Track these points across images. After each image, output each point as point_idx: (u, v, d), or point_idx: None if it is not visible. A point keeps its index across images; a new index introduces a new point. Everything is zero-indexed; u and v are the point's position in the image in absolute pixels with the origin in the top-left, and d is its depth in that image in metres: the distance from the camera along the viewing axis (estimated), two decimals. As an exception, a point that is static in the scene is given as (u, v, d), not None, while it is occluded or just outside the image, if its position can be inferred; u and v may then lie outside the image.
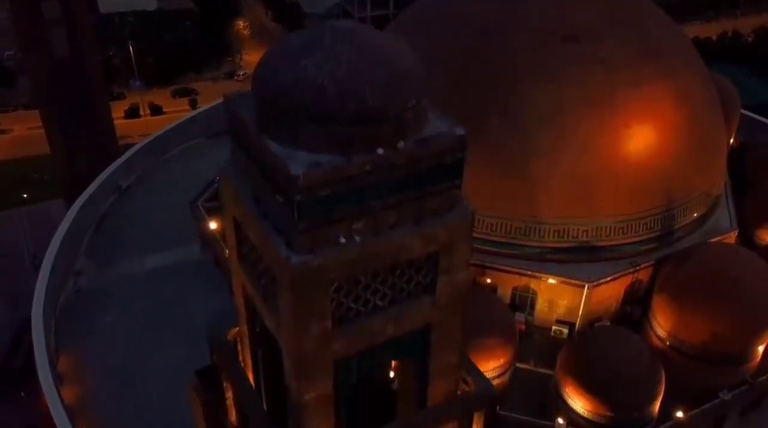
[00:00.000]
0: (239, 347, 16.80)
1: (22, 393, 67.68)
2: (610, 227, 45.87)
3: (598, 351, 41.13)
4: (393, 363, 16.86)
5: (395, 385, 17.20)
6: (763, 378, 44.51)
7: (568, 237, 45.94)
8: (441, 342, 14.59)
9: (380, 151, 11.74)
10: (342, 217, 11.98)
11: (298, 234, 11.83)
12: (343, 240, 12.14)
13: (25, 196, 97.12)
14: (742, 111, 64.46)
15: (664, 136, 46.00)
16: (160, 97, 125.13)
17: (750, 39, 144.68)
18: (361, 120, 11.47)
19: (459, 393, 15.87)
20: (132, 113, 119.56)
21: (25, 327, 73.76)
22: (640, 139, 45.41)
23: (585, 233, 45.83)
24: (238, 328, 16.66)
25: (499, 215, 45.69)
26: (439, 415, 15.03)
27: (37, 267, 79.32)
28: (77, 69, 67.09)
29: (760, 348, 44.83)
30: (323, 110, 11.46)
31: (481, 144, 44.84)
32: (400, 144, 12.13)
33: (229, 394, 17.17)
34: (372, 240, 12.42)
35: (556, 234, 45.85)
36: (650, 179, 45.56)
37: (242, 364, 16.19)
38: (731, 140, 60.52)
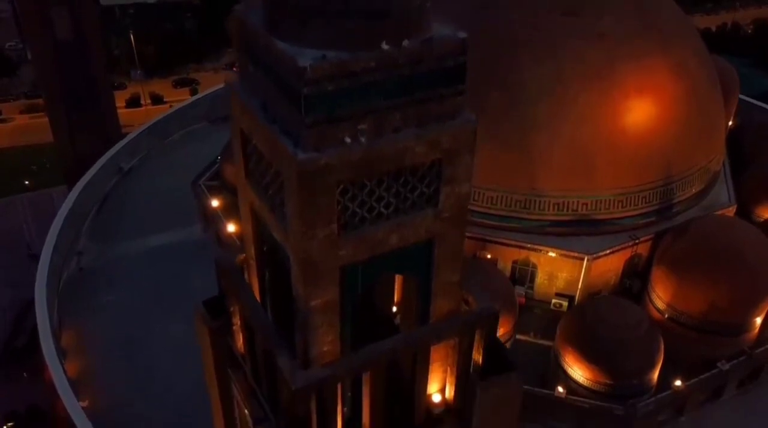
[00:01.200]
0: (246, 274, 17.15)
1: (25, 373, 68.00)
2: (610, 200, 46.22)
3: (598, 320, 41.47)
4: (396, 298, 17.20)
5: (398, 320, 17.56)
6: (762, 349, 44.86)
7: (567, 210, 46.28)
8: (443, 258, 14.93)
9: (385, 46, 12.10)
10: (347, 116, 12.30)
11: (305, 130, 12.16)
12: (348, 140, 12.48)
13: (26, 182, 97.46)
14: (741, 96, 64.82)
15: (662, 109, 46.34)
16: (161, 86, 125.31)
17: (749, 30, 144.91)
18: (367, 15, 11.81)
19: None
20: (133, 103, 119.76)
21: (27, 308, 74.09)
22: (639, 111, 45.77)
23: (584, 206, 46.18)
24: (244, 255, 17.00)
25: (500, 188, 46.04)
26: (441, 330, 15.38)
27: (32, 258, 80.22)
28: (80, 50, 67.44)
29: (758, 320, 45.19)
30: (330, 5, 11.82)
31: (481, 117, 45.20)
32: (405, 42, 12.49)
33: (236, 320, 17.53)
34: (376, 143, 12.78)
35: (556, 207, 46.20)
36: (649, 152, 45.91)
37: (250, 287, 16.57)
38: (730, 122, 60.88)
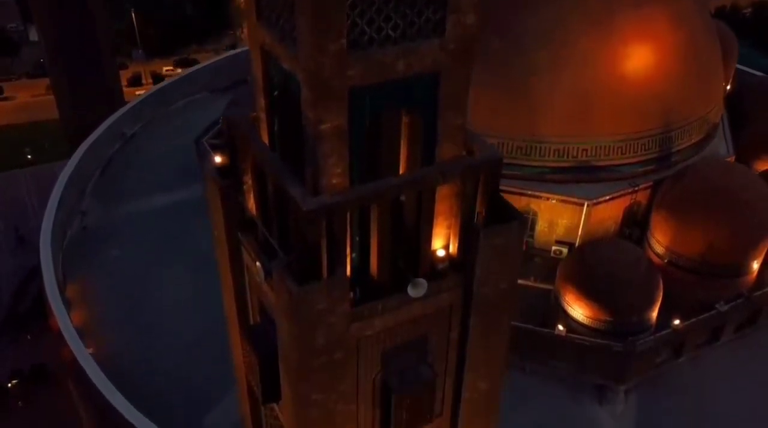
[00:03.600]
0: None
1: (29, 336, 68.77)
2: (610, 146, 46.71)
3: (598, 259, 42.05)
4: (401, 168, 17.45)
5: (402, 198, 17.96)
6: (759, 292, 45.39)
7: (568, 156, 46.78)
8: (448, 95, 15.35)
9: None
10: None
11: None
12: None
13: (29, 156, 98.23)
14: (738, 66, 65.21)
15: (661, 56, 46.82)
16: (162, 67, 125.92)
17: (748, 12, 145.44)
18: None
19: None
20: (135, 82, 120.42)
21: (30, 275, 74.81)
22: (639, 58, 46.24)
23: (584, 152, 46.68)
24: (254, 113, 17.48)
25: (500, 134, 46.37)
26: (446, 170, 15.85)
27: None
28: (84, 18, 67.96)
29: (756, 264, 45.71)
30: None
31: (481, 64, 45.72)
32: None
33: (247, 178, 18.02)
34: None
35: (556, 153, 46.70)
36: (648, 98, 46.38)
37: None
38: (728, 86, 61.33)
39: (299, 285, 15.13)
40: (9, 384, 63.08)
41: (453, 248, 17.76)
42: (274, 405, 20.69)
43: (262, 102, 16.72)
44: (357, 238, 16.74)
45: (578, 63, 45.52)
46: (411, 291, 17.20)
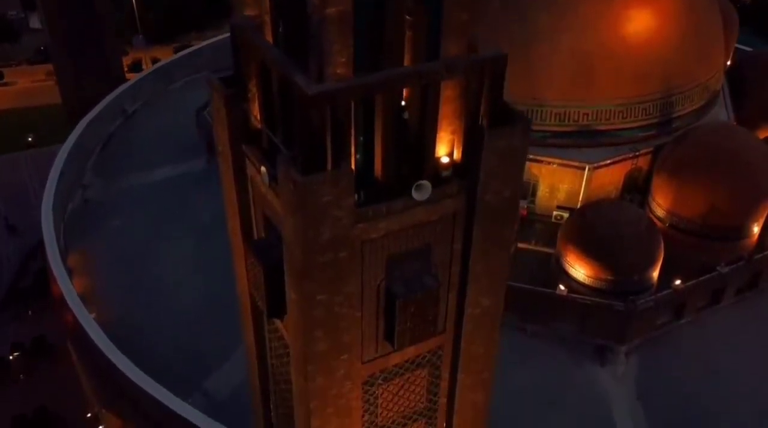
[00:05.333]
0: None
1: (30, 312, 69.01)
2: (610, 110, 46.81)
3: (599, 218, 42.19)
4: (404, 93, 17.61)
5: (406, 114, 18.08)
6: (760, 255, 45.48)
7: (569, 120, 46.88)
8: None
9: None
10: None
11: None
12: None
13: (29, 139, 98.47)
14: (738, 46, 65.22)
15: (662, 20, 46.91)
16: (163, 53, 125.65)
17: (748, 0, 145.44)
18: None
19: (469, 61, 16.73)
20: (135, 68, 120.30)
21: (31, 253, 75.05)
22: (639, 22, 46.32)
23: (585, 116, 46.78)
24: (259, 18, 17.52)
25: (502, 99, 46.47)
26: (451, 64, 15.91)
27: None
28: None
29: (756, 228, 45.80)
30: None
31: (482, 28, 45.87)
32: None
33: (252, 85, 18.10)
34: None
35: (557, 117, 46.79)
36: (649, 62, 46.47)
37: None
38: (728, 61, 61.39)
39: (304, 175, 15.20)
40: (10, 357, 63.23)
41: (457, 154, 17.84)
42: (279, 325, 20.80)
43: (266, 2, 16.80)
44: (361, 139, 16.83)
45: (579, 26, 45.63)
46: (415, 195, 17.27)
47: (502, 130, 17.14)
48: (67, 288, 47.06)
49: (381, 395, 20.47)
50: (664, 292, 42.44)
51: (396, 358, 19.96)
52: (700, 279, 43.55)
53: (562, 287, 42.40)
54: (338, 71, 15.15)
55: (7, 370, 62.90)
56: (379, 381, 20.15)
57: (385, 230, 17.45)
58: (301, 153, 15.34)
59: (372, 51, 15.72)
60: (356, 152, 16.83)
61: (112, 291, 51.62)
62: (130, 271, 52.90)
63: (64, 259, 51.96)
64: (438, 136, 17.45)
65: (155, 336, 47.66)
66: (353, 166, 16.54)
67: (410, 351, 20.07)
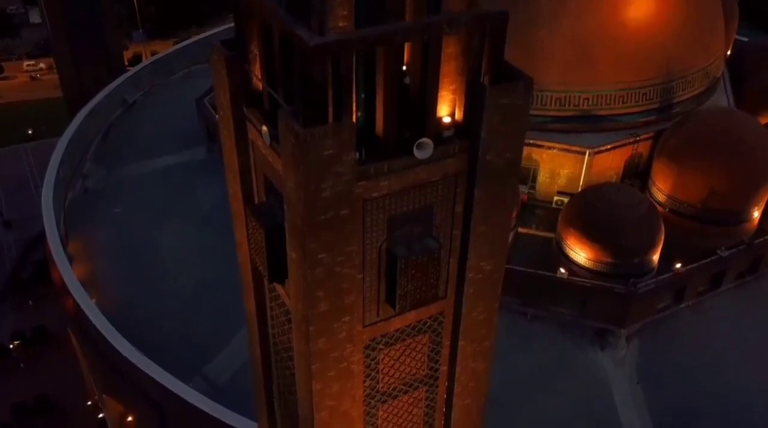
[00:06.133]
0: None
1: (30, 302, 69.08)
2: (611, 95, 46.83)
3: (600, 201, 42.17)
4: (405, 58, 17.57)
5: (407, 80, 18.06)
6: (760, 240, 45.48)
7: (569, 105, 46.90)
8: None
9: None
10: None
11: None
12: None
13: (30, 131, 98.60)
14: (738, 37, 65.22)
15: (662, 5, 46.96)
16: (163, 47, 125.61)
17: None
18: None
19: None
20: (136, 61, 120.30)
21: (31, 245, 75.08)
22: (639, 7, 46.38)
23: (586, 101, 46.79)
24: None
25: (502, 83, 46.45)
26: (452, 18, 15.89)
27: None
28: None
29: (756, 212, 45.81)
30: None
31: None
32: None
33: (254, 47, 18.06)
34: None
35: (558, 101, 46.81)
36: (649, 47, 46.50)
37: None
38: (729, 50, 61.40)
39: (305, 127, 15.17)
40: (11, 345, 63.31)
41: (459, 114, 17.79)
42: (281, 291, 20.77)
43: (268, -39, 16.74)
44: (363, 96, 16.79)
45: (579, 11, 45.66)
46: (417, 153, 17.23)
47: (504, 87, 17.06)
48: (68, 273, 47.13)
49: (382, 360, 20.41)
50: (665, 276, 42.42)
51: (397, 323, 19.90)
52: (701, 262, 43.56)
53: (562, 270, 42.37)
54: (340, 24, 15.10)
55: (7, 358, 62.97)
56: (381, 346, 20.09)
57: (386, 189, 17.40)
58: (303, 106, 15.30)
59: (374, 7, 15.69)
60: (357, 110, 16.79)
61: (112, 278, 51.69)
62: (131, 259, 52.96)
63: (64, 246, 52.04)
64: (440, 94, 17.40)
65: (156, 322, 47.73)
66: (354, 121, 16.51)
67: (411, 317, 20.01)
